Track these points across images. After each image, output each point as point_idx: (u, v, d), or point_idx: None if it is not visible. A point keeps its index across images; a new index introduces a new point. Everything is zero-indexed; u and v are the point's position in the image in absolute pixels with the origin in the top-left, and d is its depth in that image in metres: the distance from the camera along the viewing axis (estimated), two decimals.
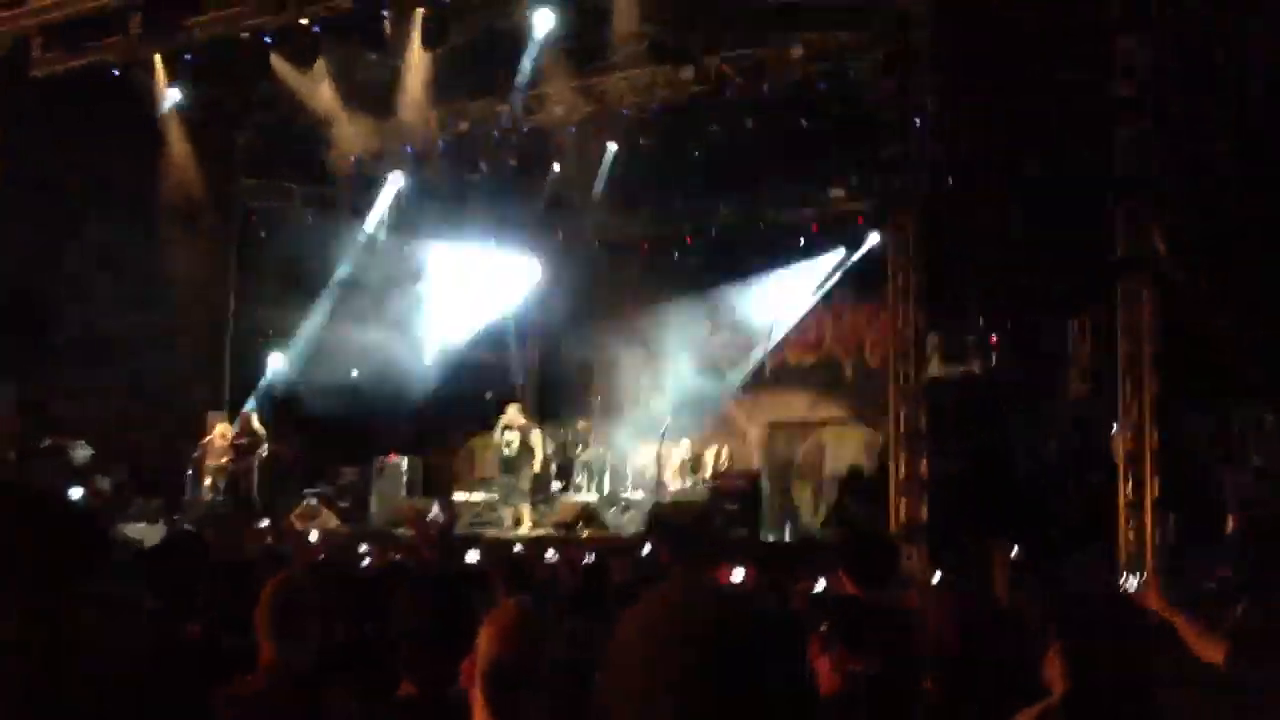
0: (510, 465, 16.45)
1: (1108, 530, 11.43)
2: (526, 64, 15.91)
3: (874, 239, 17.34)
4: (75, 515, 1.27)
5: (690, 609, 1.41)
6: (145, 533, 14.96)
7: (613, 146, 17.88)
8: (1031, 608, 5.82)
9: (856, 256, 18.53)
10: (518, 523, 16.05)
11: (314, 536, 11.07)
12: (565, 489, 17.38)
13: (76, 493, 9.52)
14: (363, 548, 12.48)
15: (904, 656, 3.60)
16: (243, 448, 16.80)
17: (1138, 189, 11.27)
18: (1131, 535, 11.33)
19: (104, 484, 16.96)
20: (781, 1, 14.32)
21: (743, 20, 15.04)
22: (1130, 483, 11.44)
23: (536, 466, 16.57)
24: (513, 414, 16.79)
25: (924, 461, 12.44)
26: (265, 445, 16.82)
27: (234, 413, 18.36)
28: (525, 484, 16.42)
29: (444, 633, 4.19)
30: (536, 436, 16.63)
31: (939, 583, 6.71)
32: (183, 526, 13.63)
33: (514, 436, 16.44)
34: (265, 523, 15.93)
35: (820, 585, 5.57)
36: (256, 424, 16.97)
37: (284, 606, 3.86)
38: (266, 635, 3.82)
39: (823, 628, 3.68)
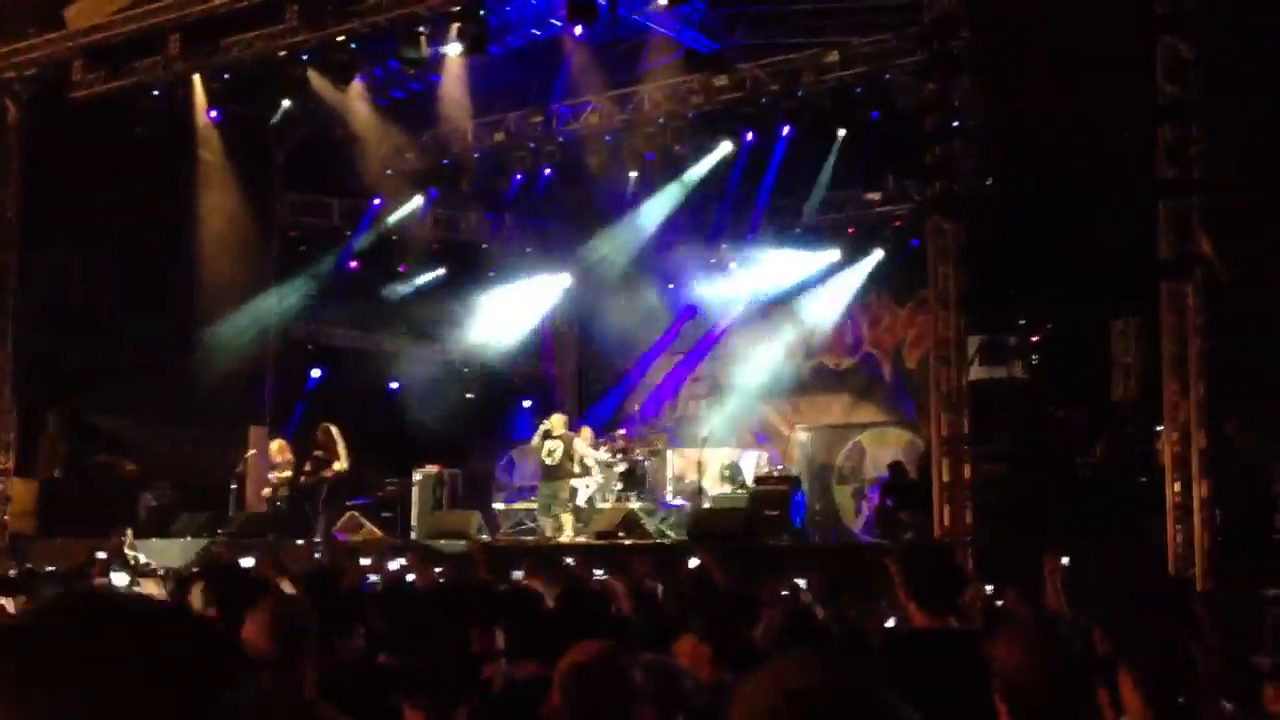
0: (552, 473, 16.47)
1: (1155, 533, 11.37)
2: (561, 74, 15.97)
3: (912, 242, 17.30)
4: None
5: (804, 698, 1.43)
6: (190, 547, 15.12)
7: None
8: (1084, 620, 5.79)
9: (894, 260, 18.48)
10: (559, 531, 16.09)
11: (365, 561, 11.10)
12: (606, 496, 17.38)
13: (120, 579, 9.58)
14: (400, 562, 12.47)
15: (983, 691, 3.56)
16: (320, 460, 16.72)
17: (1181, 191, 11.20)
18: (1179, 538, 11.26)
19: (150, 499, 17.14)
20: (816, 7, 14.32)
21: (777, 26, 15.06)
22: (1177, 485, 11.37)
23: (576, 474, 16.60)
24: (555, 422, 16.82)
25: (967, 466, 12.38)
26: (342, 460, 16.62)
27: (274, 426, 18.50)
28: (566, 492, 16.44)
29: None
30: (578, 445, 16.66)
31: (1004, 612, 6.65)
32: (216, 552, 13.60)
33: (556, 445, 16.46)
34: (316, 538, 15.98)
35: (891, 621, 5.51)
36: (338, 437, 16.74)
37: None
38: None
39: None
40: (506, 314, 21.10)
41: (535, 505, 17.32)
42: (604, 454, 17.19)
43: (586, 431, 17.52)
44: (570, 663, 2.94)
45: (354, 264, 19.95)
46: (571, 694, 2.86)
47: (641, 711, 3.02)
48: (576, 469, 16.68)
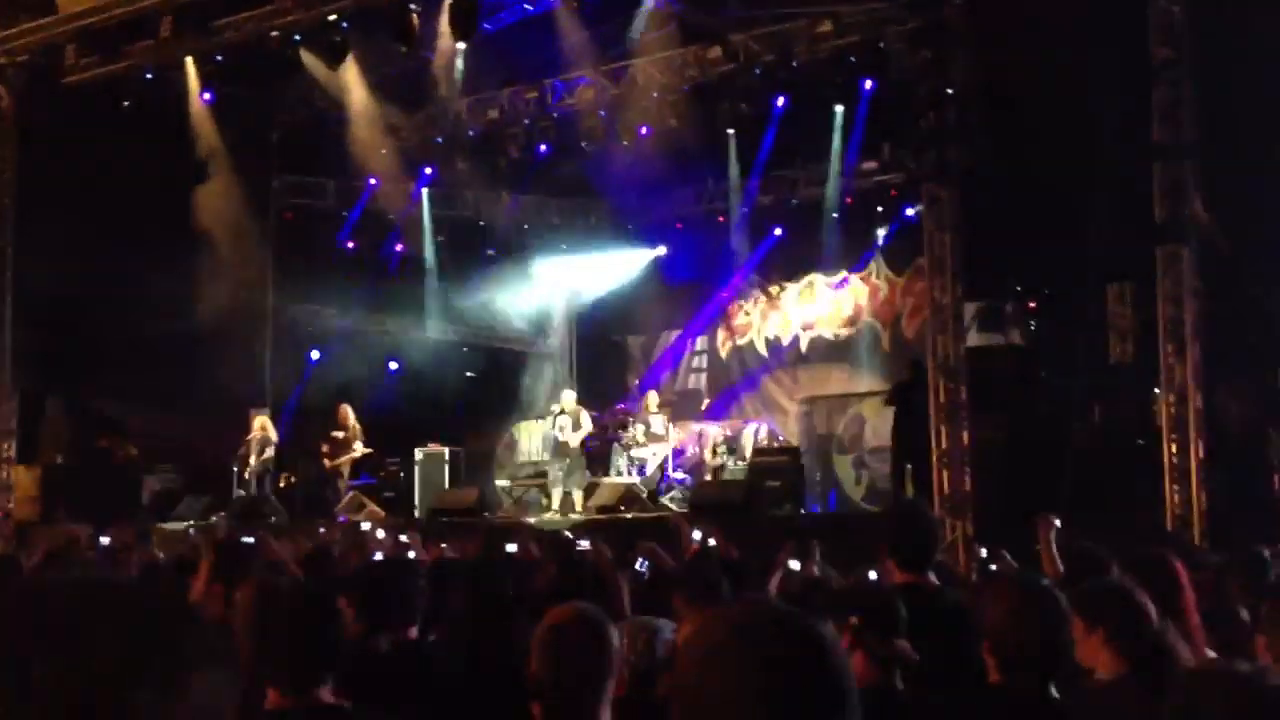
0: (563, 450, 16.56)
1: (1153, 495, 11.43)
2: (555, 50, 15.93)
3: (908, 211, 17.33)
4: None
5: (748, 632, 1.47)
6: (194, 530, 15.18)
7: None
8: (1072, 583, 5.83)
9: (891, 229, 18.50)
10: (570, 507, 16.11)
11: (366, 525, 11.12)
12: (607, 472, 17.42)
13: None
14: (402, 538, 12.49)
15: (952, 643, 3.62)
16: (339, 441, 16.99)
17: (1177, 154, 11.21)
18: (1177, 499, 11.33)
19: (153, 484, 17.21)
20: None
21: None
22: (1174, 447, 11.43)
23: (641, 443, 16.68)
24: (566, 400, 16.92)
25: (965, 433, 12.42)
26: (359, 443, 16.96)
27: (276, 409, 18.55)
28: (579, 469, 16.54)
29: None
30: (587, 421, 16.74)
31: (995, 574, 6.69)
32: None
33: (566, 421, 16.55)
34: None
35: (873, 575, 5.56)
36: (353, 420, 17.11)
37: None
38: None
39: (854, 620, 3.66)
40: (507, 294, 21.13)
41: (544, 481, 17.39)
42: (663, 421, 17.09)
43: (653, 396, 17.49)
44: (548, 625, 2.95)
45: (351, 244, 19.97)
46: (549, 655, 2.88)
47: (620, 672, 3.04)
48: (640, 438, 16.78)
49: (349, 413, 17.16)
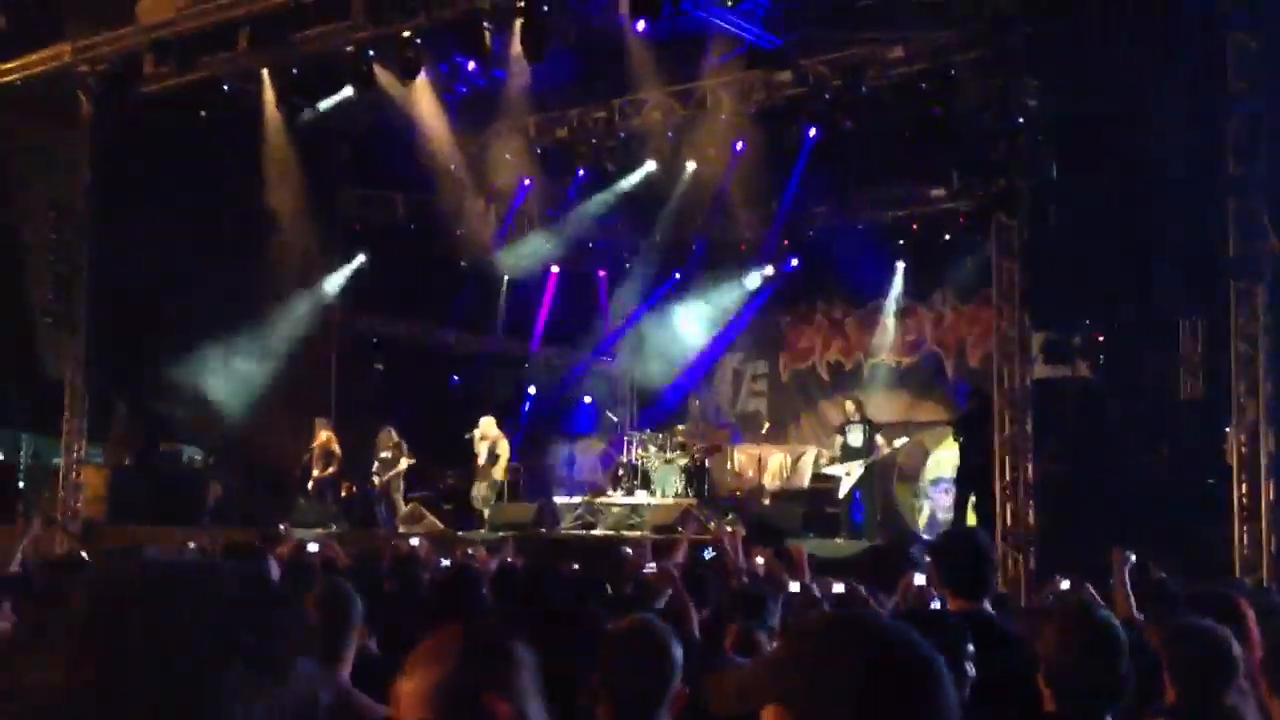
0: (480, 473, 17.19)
1: (1223, 535, 11.21)
2: (624, 71, 15.98)
3: (976, 239, 17.15)
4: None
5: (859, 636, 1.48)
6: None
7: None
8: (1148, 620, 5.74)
9: (958, 257, 18.33)
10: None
11: (415, 541, 11.13)
12: (665, 492, 17.37)
13: None
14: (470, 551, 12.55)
15: (1007, 674, 3.58)
16: (387, 460, 17.22)
17: (1250, 187, 11.03)
18: (1246, 540, 11.11)
19: (217, 489, 17.40)
20: (879, 2, 14.22)
21: (840, 21, 14.97)
22: (1245, 486, 11.21)
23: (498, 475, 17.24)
24: (485, 426, 17.25)
25: (1029, 465, 12.27)
26: (403, 459, 17.20)
27: (340, 417, 18.70)
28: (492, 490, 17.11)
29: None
30: (503, 446, 17.21)
31: (1063, 602, 6.58)
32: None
33: (483, 446, 17.01)
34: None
35: (936, 604, 5.50)
36: (396, 437, 17.35)
37: None
38: None
39: None
40: (568, 309, 21.21)
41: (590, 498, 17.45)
42: (862, 434, 16.66)
43: (850, 404, 17.05)
44: (614, 634, 3.00)
45: (417, 258, 20.09)
46: (614, 662, 2.92)
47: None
48: (835, 450, 16.65)
49: (390, 434, 17.35)
